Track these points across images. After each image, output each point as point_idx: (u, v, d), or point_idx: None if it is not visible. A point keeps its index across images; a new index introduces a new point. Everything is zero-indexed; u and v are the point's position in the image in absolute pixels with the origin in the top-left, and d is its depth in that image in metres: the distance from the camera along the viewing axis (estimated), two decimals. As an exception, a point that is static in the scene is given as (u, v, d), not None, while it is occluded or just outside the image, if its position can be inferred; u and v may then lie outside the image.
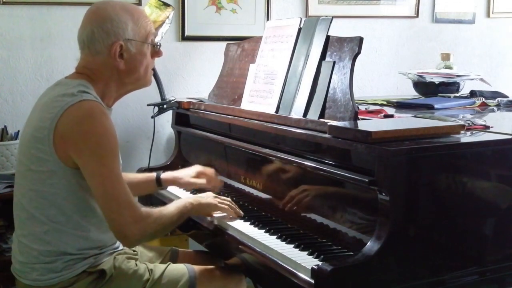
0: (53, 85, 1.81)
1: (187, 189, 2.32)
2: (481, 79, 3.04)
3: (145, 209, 1.75)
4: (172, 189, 2.37)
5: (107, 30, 1.75)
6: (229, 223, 1.94)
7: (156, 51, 1.88)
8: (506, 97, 2.78)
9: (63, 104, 1.67)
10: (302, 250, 1.69)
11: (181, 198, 1.99)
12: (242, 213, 2.00)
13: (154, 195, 2.37)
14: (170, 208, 1.84)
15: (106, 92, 1.81)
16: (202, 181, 2.21)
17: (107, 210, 1.67)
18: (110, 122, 1.70)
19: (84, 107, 1.66)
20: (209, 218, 2.01)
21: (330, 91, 1.90)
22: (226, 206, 1.98)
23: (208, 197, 1.99)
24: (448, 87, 2.95)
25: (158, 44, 1.88)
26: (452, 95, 2.89)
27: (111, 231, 1.71)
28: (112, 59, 1.76)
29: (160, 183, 2.21)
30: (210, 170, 2.25)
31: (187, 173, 2.23)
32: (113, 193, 1.65)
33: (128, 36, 1.77)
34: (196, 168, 2.24)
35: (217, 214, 1.98)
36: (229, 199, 2.04)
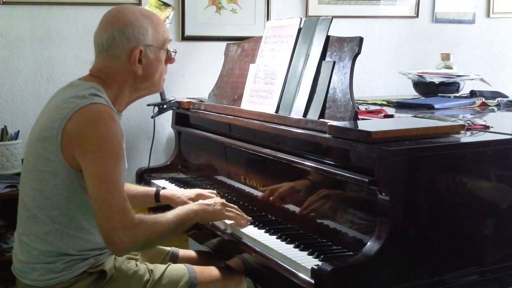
0: (66, 86, 1.81)
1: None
2: (481, 79, 3.04)
3: (138, 216, 1.69)
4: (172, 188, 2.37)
5: (128, 35, 1.74)
6: (230, 223, 1.94)
7: (170, 58, 1.88)
8: (506, 97, 2.79)
9: (73, 105, 1.66)
10: (302, 250, 1.69)
11: (185, 205, 1.92)
12: (251, 218, 1.95)
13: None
14: (168, 215, 1.77)
15: (119, 97, 1.80)
16: None
17: (99, 213, 1.64)
18: (117, 127, 1.68)
19: (93, 110, 1.66)
20: (221, 226, 1.98)
21: (330, 91, 1.90)
22: (232, 214, 1.93)
23: (215, 204, 1.94)
24: (448, 87, 2.95)
25: (174, 51, 1.89)
26: (452, 95, 2.89)
27: (102, 238, 1.66)
28: (131, 64, 1.76)
29: (158, 199, 2.15)
30: (210, 195, 2.12)
31: (186, 193, 2.14)
32: (106, 197, 1.62)
33: (147, 42, 1.77)
34: (196, 191, 2.15)
35: (226, 219, 1.94)
36: (236, 206, 1.98)
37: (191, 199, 2.08)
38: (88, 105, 1.66)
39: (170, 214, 1.78)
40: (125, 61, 1.76)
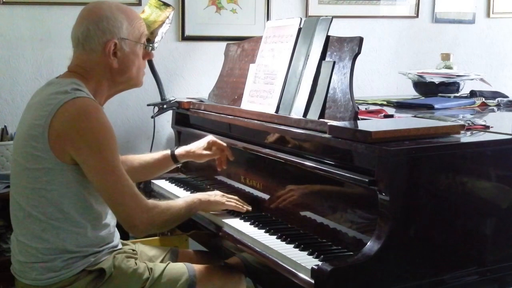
0: (45, 85, 1.84)
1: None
2: (481, 79, 3.04)
3: (151, 200, 1.79)
4: (172, 188, 2.38)
5: (103, 28, 1.77)
6: (230, 222, 1.95)
7: (147, 53, 1.92)
8: (506, 97, 2.79)
9: (57, 101, 1.68)
10: (302, 250, 1.69)
11: (191, 194, 2.02)
12: (250, 208, 2.04)
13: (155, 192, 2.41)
14: (179, 201, 1.90)
15: (98, 91, 1.83)
16: (213, 152, 2.22)
17: (113, 203, 1.71)
18: (105, 117, 1.72)
19: (78, 104, 1.68)
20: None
21: (330, 91, 1.90)
22: (233, 203, 2.03)
23: (216, 195, 2.05)
24: (448, 87, 2.95)
25: (151, 46, 1.92)
26: (452, 95, 2.89)
27: (121, 224, 1.74)
28: (106, 57, 1.79)
29: (175, 159, 2.25)
30: (222, 143, 2.20)
31: (199, 145, 2.24)
32: (116, 186, 1.68)
33: (122, 35, 1.80)
34: (207, 139, 2.22)
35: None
36: (236, 197, 2.07)
37: (205, 149, 2.21)
38: (72, 99, 1.68)
39: (180, 200, 1.92)
40: (100, 54, 1.79)
